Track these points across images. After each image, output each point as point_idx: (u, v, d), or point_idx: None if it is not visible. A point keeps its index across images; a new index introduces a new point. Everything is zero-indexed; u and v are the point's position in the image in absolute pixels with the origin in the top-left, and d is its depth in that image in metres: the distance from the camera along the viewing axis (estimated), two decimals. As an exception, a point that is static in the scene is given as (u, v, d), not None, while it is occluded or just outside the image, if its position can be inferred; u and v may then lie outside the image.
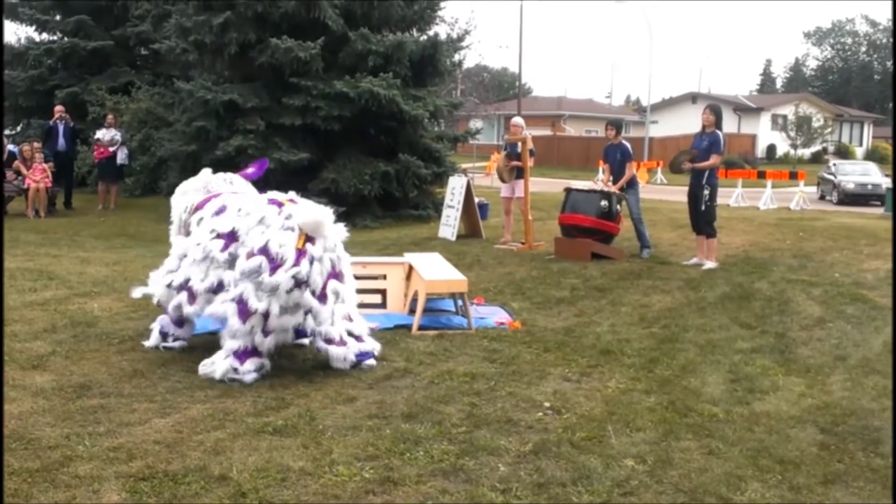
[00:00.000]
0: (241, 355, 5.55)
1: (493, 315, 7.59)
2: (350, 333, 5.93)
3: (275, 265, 5.43)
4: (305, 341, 6.08)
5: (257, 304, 5.43)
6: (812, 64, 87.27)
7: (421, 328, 7.04)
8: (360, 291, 7.69)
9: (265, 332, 5.48)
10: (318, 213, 5.64)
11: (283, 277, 5.41)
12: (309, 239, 5.56)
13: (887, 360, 6.23)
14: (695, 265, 9.94)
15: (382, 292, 7.80)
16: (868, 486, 4.10)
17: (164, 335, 6.30)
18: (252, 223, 5.71)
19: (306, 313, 5.59)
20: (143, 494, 3.82)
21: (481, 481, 4.06)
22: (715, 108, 10.19)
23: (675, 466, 4.28)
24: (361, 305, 7.60)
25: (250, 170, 7.10)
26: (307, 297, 5.52)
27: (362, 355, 5.93)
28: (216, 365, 5.59)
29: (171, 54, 16.29)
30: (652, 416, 5.03)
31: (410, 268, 7.72)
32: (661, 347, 6.62)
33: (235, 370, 5.50)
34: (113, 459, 4.19)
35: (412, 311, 7.34)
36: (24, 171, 15.44)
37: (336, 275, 5.79)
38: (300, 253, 5.49)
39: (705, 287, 8.78)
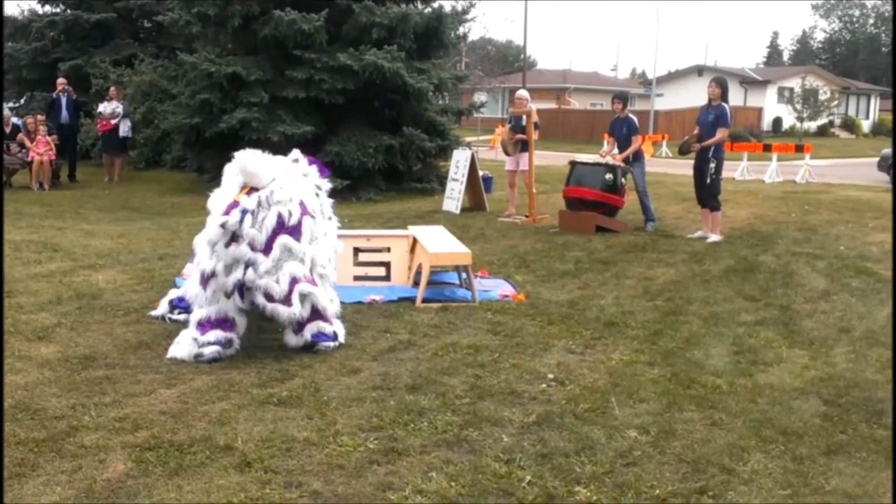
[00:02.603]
0: (204, 325, 5.41)
1: (496, 288, 7.59)
2: (314, 307, 5.54)
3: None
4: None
5: (207, 264, 5.32)
6: (819, 36, 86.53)
7: (425, 301, 7.05)
8: (364, 264, 7.76)
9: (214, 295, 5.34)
10: (245, 160, 5.43)
11: (214, 231, 5.27)
12: (250, 191, 5.38)
13: (892, 332, 6.22)
14: (699, 238, 9.93)
15: (386, 265, 7.80)
16: (871, 456, 4.11)
17: (172, 306, 6.32)
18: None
19: (246, 267, 5.31)
20: (149, 464, 3.84)
21: (485, 452, 4.08)
22: (721, 80, 10.10)
23: (678, 437, 4.30)
24: (366, 278, 7.66)
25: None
26: (242, 250, 5.27)
27: (319, 336, 5.58)
28: (180, 343, 5.45)
29: (174, 26, 16.21)
30: (655, 387, 5.04)
31: (414, 241, 7.72)
32: (664, 320, 6.62)
33: (195, 340, 5.35)
34: (119, 430, 4.22)
35: (416, 284, 7.34)
36: (28, 143, 15.43)
37: (289, 230, 5.40)
38: (232, 204, 5.33)
39: (710, 260, 8.77)
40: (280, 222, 5.37)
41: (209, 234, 5.37)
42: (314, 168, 6.20)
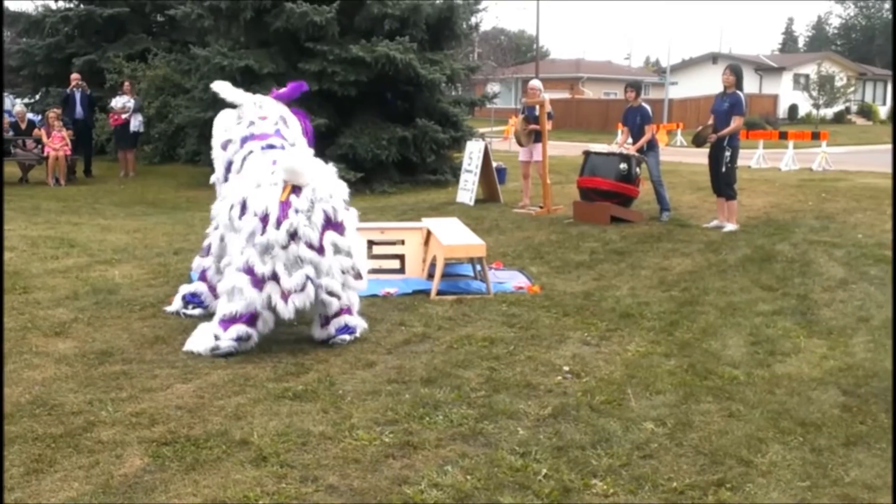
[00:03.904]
0: (229, 321, 5.40)
1: (511, 279, 7.57)
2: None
3: (266, 224, 5.33)
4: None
5: (262, 268, 5.32)
6: (835, 22, 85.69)
7: (439, 293, 7.03)
8: (378, 257, 7.74)
9: (284, 298, 5.33)
10: (292, 160, 5.46)
11: (274, 234, 5.28)
12: (294, 190, 5.41)
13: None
14: (715, 227, 9.87)
15: (401, 257, 7.79)
16: (891, 447, 4.06)
17: (186, 301, 6.34)
18: (250, 183, 5.63)
19: (309, 265, 5.37)
20: (166, 459, 3.85)
21: (500, 445, 4.07)
22: (735, 68, 10.01)
23: (695, 429, 4.27)
24: (380, 271, 7.65)
25: (283, 90, 6.83)
26: (304, 251, 5.33)
27: (343, 330, 5.67)
28: (197, 336, 5.47)
29: (186, 20, 16.22)
30: (672, 379, 5.01)
31: (428, 233, 7.70)
32: (681, 310, 6.58)
33: (216, 337, 5.38)
34: (135, 424, 4.24)
35: (430, 277, 7.33)
36: (44, 138, 15.50)
37: (334, 226, 5.51)
38: (284, 205, 5.35)
39: (726, 249, 8.71)
40: (327, 219, 5.47)
41: (269, 236, 5.31)
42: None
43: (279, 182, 5.47)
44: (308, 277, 5.36)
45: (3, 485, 3.57)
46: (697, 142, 10.26)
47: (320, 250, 5.40)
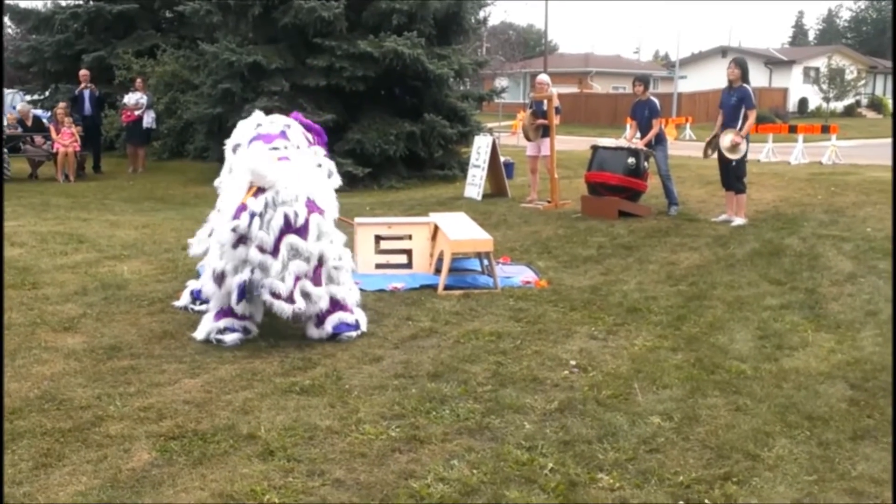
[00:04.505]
0: (218, 314, 5.58)
1: (519, 274, 7.57)
2: (334, 299, 5.64)
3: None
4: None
5: (216, 263, 5.45)
6: (845, 15, 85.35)
7: (447, 288, 7.04)
8: (385, 252, 7.76)
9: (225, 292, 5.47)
10: (255, 161, 5.44)
11: (223, 234, 5.37)
12: (258, 191, 5.40)
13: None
14: (723, 222, 9.84)
15: (408, 252, 7.80)
16: (898, 442, 4.06)
17: (194, 296, 6.37)
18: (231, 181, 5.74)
19: (253, 270, 5.36)
20: (173, 453, 3.87)
21: (507, 439, 4.07)
22: (740, 61, 9.96)
23: (702, 423, 4.27)
24: (387, 266, 7.66)
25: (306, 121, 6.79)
26: (252, 253, 5.32)
27: (340, 327, 5.65)
28: (201, 324, 5.66)
29: (195, 16, 16.25)
30: (679, 373, 5.00)
31: (436, 228, 7.71)
32: (688, 305, 6.57)
33: (216, 329, 5.54)
34: (143, 419, 4.26)
35: (438, 271, 7.33)
36: (54, 134, 15.57)
37: (297, 230, 5.40)
38: (241, 207, 5.36)
39: (734, 244, 8.69)
40: (287, 223, 5.37)
41: (220, 236, 5.45)
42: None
43: (245, 183, 5.50)
44: (242, 282, 5.37)
45: (2, 486, 3.59)
46: (719, 149, 9.83)
47: (274, 253, 5.34)
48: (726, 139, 9.57)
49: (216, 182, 6.53)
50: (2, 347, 5.26)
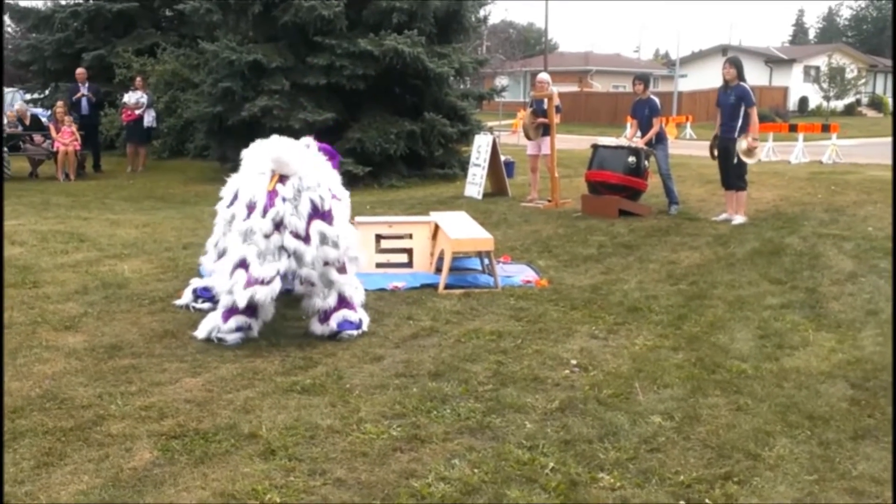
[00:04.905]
0: (227, 313, 5.46)
1: (519, 273, 7.57)
2: (340, 296, 5.64)
3: (251, 212, 5.37)
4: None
5: (239, 253, 5.35)
6: (846, 13, 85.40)
7: (447, 287, 7.04)
8: (386, 251, 7.76)
9: (248, 284, 5.30)
10: (277, 149, 5.45)
11: (259, 221, 5.30)
12: (282, 179, 5.42)
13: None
14: (724, 221, 9.84)
15: (409, 251, 7.80)
16: (899, 441, 4.06)
17: (196, 295, 6.37)
18: (243, 176, 5.68)
19: (290, 257, 5.35)
20: (175, 452, 3.87)
21: (508, 438, 4.08)
22: (735, 60, 9.99)
23: (703, 423, 4.27)
24: (388, 265, 7.66)
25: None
26: (289, 240, 5.32)
27: (344, 325, 5.63)
28: (203, 323, 5.59)
29: (195, 15, 16.23)
30: (679, 372, 5.01)
31: (436, 227, 7.71)
32: (689, 304, 6.57)
33: (219, 329, 5.45)
34: (145, 418, 4.26)
35: (438, 270, 7.34)
36: (54, 133, 15.56)
37: (321, 215, 5.46)
38: (271, 194, 5.35)
39: (734, 243, 8.69)
40: (314, 208, 5.43)
41: (251, 223, 5.35)
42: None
43: (267, 172, 5.50)
44: (279, 272, 5.33)
45: (2, 486, 3.60)
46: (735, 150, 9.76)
47: (306, 239, 5.38)
48: (742, 144, 9.57)
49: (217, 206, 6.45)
50: (2, 346, 5.26)
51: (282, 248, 5.35)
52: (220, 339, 5.46)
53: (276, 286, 5.36)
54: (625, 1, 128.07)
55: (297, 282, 5.51)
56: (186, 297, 6.43)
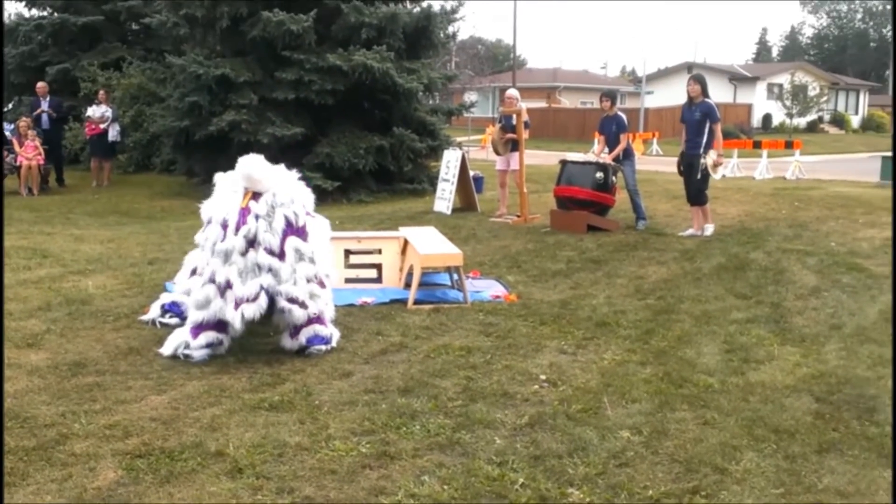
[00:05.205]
0: (196, 329, 5.42)
1: (488, 288, 7.58)
2: (311, 312, 5.57)
3: (226, 231, 5.34)
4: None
5: (221, 276, 5.31)
6: (808, 32, 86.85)
7: (416, 302, 7.03)
8: (355, 266, 7.73)
9: (236, 304, 5.28)
10: (248, 166, 5.41)
11: (232, 240, 5.27)
12: (255, 196, 5.40)
13: (883, 328, 6.23)
14: (690, 236, 9.94)
15: (378, 267, 7.78)
16: (863, 454, 4.11)
17: (164, 310, 6.30)
18: (216, 197, 5.63)
19: (269, 272, 5.33)
20: (140, 471, 3.82)
21: (477, 454, 4.07)
22: (699, 77, 10.15)
23: (671, 437, 4.29)
24: (357, 280, 7.63)
25: None
26: (262, 256, 5.31)
27: (314, 340, 5.60)
28: (169, 339, 5.53)
29: (162, 28, 16.14)
30: (647, 387, 5.03)
31: (406, 242, 7.70)
32: (656, 319, 6.62)
33: (187, 345, 5.40)
34: (109, 437, 4.20)
35: (408, 286, 7.32)
36: (17, 148, 15.35)
37: (296, 231, 5.47)
38: (244, 211, 5.33)
39: (701, 258, 8.78)
40: (288, 223, 5.42)
41: (227, 244, 5.32)
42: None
43: (239, 189, 5.47)
44: (262, 287, 5.32)
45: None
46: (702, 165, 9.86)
47: (281, 256, 5.37)
48: (709, 159, 9.73)
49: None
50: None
51: (257, 266, 5.33)
52: (186, 356, 5.40)
53: (263, 301, 5.35)
54: (593, 18, 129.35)
55: (282, 298, 5.41)
56: (153, 313, 6.36)
